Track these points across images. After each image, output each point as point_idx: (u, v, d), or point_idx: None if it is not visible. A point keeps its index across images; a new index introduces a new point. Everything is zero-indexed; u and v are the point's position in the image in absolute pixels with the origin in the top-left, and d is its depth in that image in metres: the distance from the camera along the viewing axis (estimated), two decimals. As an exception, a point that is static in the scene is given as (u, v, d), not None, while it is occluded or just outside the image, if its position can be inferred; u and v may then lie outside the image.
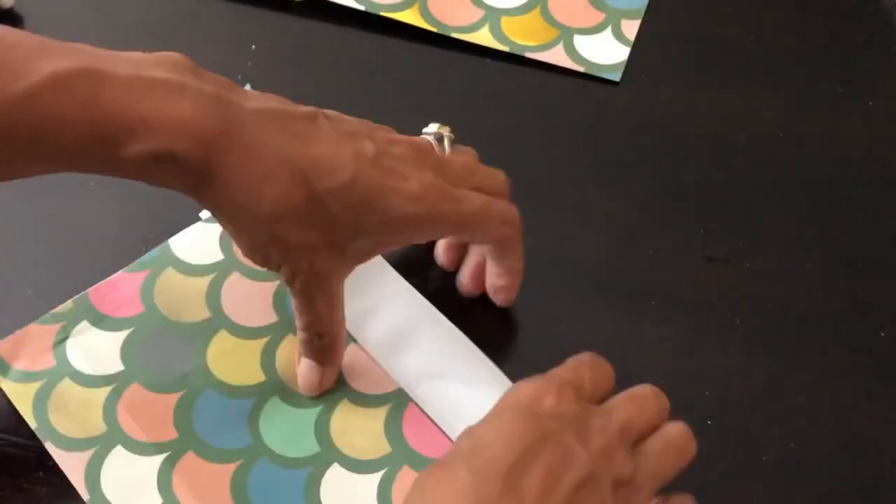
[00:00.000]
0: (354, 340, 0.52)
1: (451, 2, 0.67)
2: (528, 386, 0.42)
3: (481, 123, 0.62)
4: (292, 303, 0.49)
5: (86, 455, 0.48)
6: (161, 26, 0.67)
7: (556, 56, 0.65)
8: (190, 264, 0.54)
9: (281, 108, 0.45)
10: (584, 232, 0.57)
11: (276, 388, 0.51)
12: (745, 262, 0.56)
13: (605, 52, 0.65)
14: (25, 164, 0.43)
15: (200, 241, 0.55)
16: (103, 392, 0.50)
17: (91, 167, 0.43)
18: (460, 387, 0.50)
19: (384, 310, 0.53)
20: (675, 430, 0.44)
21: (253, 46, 0.65)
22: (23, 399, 0.50)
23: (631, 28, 0.66)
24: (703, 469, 0.48)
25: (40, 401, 0.49)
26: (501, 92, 0.64)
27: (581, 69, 0.64)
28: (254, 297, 0.53)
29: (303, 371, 0.50)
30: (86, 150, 0.42)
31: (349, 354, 0.52)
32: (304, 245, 0.45)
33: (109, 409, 0.49)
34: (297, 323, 0.49)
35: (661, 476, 0.43)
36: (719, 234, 0.57)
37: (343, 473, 0.48)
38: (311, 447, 0.49)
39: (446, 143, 0.52)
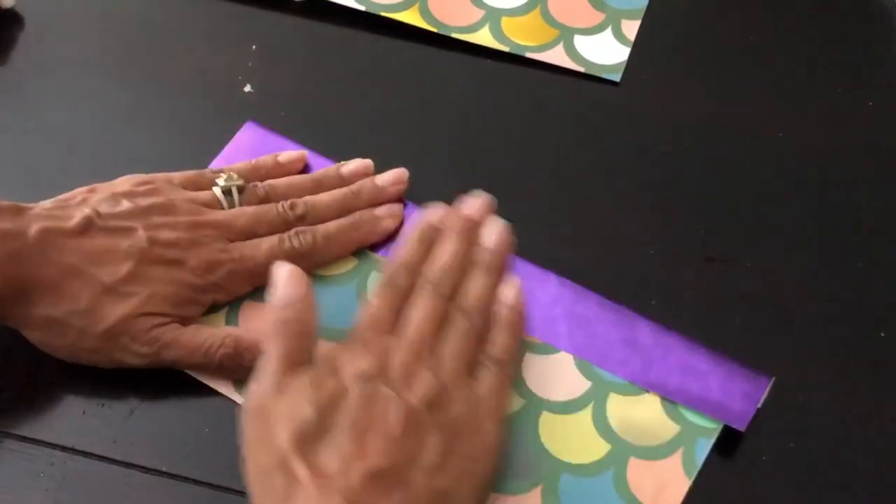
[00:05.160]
0: None
1: (451, 2, 0.67)
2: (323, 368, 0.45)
3: (481, 124, 0.62)
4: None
5: None
6: (161, 26, 0.67)
7: (556, 56, 0.65)
8: None
9: (55, 228, 0.49)
10: (584, 232, 0.57)
11: (372, 265, 0.55)
12: (745, 262, 0.56)
13: (605, 52, 0.65)
14: None
15: None
16: (221, 315, 0.54)
17: None
18: None
19: None
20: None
21: (253, 46, 0.65)
22: None
23: (631, 28, 0.66)
24: (703, 469, 0.48)
25: None
26: (501, 92, 0.64)
27: (581, 69, 0.64)
28: None
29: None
30: None
31: None
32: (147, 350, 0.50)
33: (233, 325, 0.53)
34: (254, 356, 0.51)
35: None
36: (719, 234, 0.57)
37: None
38: None
39: (235, 194, 0.54)
